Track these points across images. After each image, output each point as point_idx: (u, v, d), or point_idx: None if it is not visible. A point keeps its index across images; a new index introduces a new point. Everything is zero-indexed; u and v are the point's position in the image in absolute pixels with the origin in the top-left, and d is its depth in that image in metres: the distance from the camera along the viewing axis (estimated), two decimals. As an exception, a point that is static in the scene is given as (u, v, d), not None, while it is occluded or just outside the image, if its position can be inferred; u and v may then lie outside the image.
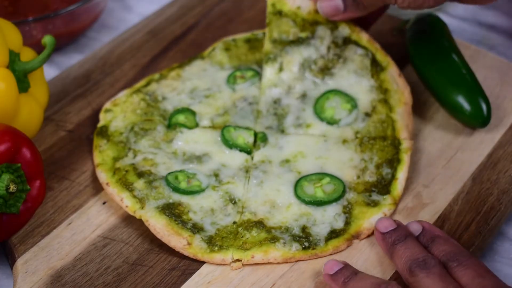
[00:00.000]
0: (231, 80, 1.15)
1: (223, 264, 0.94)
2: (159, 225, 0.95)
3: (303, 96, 1.10)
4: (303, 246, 0.94)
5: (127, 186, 1.00)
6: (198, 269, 0.94)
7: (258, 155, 1.05)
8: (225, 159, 1.04)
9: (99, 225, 0.99)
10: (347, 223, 0.97)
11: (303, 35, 1.12)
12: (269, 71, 1.12)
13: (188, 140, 1.07)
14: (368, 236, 0.97)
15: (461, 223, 0.98)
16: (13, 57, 1.00)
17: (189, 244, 0.94)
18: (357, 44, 1.12)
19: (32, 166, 0.94)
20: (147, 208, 0.97)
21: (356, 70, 1.10)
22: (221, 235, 0.96)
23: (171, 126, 1.09)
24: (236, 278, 0.93)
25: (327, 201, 0.98)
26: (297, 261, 0.94)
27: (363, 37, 1.13)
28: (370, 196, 1.00)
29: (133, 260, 0.95)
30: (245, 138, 1.07)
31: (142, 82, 1.16)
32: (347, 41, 1.12)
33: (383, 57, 1.11)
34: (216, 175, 1.02)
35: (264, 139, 1.07)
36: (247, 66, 1.17)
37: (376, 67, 1.10)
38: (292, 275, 0.93)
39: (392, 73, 1.10)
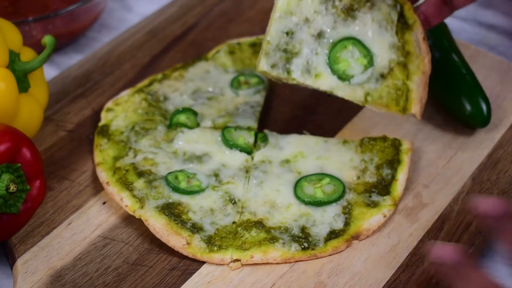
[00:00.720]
0: (235, 84, 1.15)
1: (223, 264, 0.94)
2: (158, 224, 0.95)
3: (320, 35, 1.00)
4: (303, 246, 0.94)
5: (127, 185, 1.00)
6: (198, 269, 0.94)
7: (258, 155, 1.05)
8: (225, 159, 1.04)
9: (99, 225, 0.99)
10: (347, 223, 0.97)
11: None
12: None
13: (189, 140, 1.07)
14: (368, 236, 0.97)
15: (461, 223, 0.98)
16: (13, 57, 1.00)
17: (188, 243, 0.94)
18: None
19: (32, 166, 0.94)
20: (147, 207, 0.97)
21: (381, 21, 1.00)
22: (220, 235, 0.96)
23: (172, 126, 1.09)
24: (236, 278, 0.93)
25: (327, 201, 0.98)
26: (297, 261, 0.94)
27: None
28: (370, 196, 1.00)
29: (133, 260, 0.95)
30: (246, 138, 1.07)
31: (144, 82, 1.16)
32: None
33: (411, 14, 1.00)
34: (216, 175, 1.02)
35: (265, 139, 1.07)
36: (251, 71, 1.18)
37: (402, 24, 1.00)
38: (292, 275, 0.93)
39: (417, 35, 1.00)
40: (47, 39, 1.02)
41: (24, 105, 1.00)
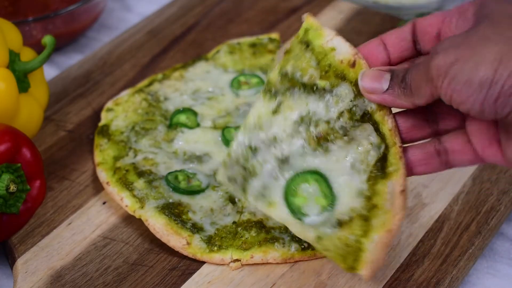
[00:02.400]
0: (235, 84, 1.15)
1: (223, 264, 0.94)
2: (158, 224, 0.95)
3: (284, 160, 0.87)
4: (302, 246, 0.94)
5: (127, 185, 1.00)
6: (198, 269, 0.94)
7: (258, 155, 1.05)
8: (225, 159, 1.04)
9: (99, 225, 0.99)
10: (347, 223, 0.96)
11: (321, 83, 0.86)
12: (261, 105, 0.88)
13: (189, 140, 1.07)
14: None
15: (461, 223, 0.98)
16: (13, 57, 1.00)
17: (188, 243, 0.94)
18: (375, 127, 0.85)
19: (32, 166, 0.94)
20: (147, 207, 0.97)
21: (355, 161, 0.85)
22: (220, 235, 0.96)
23: (172, 126, 1.09)
24: (236, 278, 0.93)
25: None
26: (296, 261, 0.94)
27: (387, 123, 0.84)
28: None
29: (133, 260, 0.95)
30: (245, 138, 1.07)
31: (144, 82, 1.16)
32: (366, 117, 0.85)
33: (395, 159, 0.83)
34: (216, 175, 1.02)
35: (264, 139, 1.07)
36: (251, 71, 1.18)
37: (378, 169, 0.84)
38: (292, 275, 0.93)
39: (394, 186, 0.83)
40: (47, 39, 1.02)
41: (24, 105, 1.00)
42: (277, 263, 0.94)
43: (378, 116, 0.84)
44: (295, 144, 0.86)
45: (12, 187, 0.91)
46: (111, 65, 1.22)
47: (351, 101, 0.85)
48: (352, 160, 0.85)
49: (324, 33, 0.86)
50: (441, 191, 1.02)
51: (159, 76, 1.17)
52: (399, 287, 0.91)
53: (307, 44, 0.86)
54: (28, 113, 1.01)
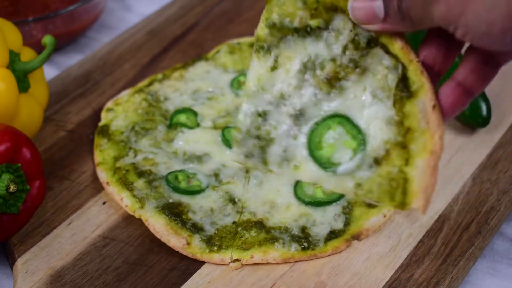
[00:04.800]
0: (235, 84, 1.15)
1: (223, 264, 0.94)
2: (158, 224, 0.95)
3: (299, 114, 0.82)
4: (303, 246, 0.94)
5: (127, 185, 1.00)
6: (198, 269, 0.94)
7: (258, 155, 1.05)
8: (225, 159, 1.04)
9: (99, 225, 0.99)
10: (347, 223, 0.97)
11: (313, 23, 0.80)
12: (257, 66, 0.83)
13: (189, 140, 1.07)
14: (368, 236, 0.96)
15: (461, 223, 0.98)
16: (13, 57, 1.00)
17: (188, 243, 0.94)
18: (385, 49, 0.79)
19: (32, 166, 0.94)
20: (147, 207, 0.97)
21: (375, 90, 0.79)
22: (220, 235, 0.96)
23: (172, 126, 1.09)
24: (236, 278, 0.92)
25: (327, 201, 0.98)
26: (297, 261, 0.94)
27: (397, 43, 0.79)
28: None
29: (133, 260, 0.95)
30: (245, 138, 1.07)
31: (144, 82, 1.16)
32: (372, 42, 0.80)
33: (416, 76, 0.78)
34: (216, 175, 1.02)
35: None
36: None
37: (402, 90, 0.78)
38: (292, 275, 0.93)
39: (424, 103, 0.77)
40: (47, 39, 1.02)
41: (24, 105, 1.00)
42: (277, 263, 0.94)
43: (384, 38, 0.79)
44: (305, 94, 0.81)
45: (12, 187, 0.91)
46: (111, 65, 1.22)
47: (351, 31, 0.79)
48: (372, 89, 0.79)
49: None
50: (441, 191, 1.02)
51: (159, 76, 1.17)
52: (399, 287, 0.91)
53: None
54: (28, 113, 1.01)
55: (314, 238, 0.95)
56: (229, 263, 0.94)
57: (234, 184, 1.01)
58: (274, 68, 0.82)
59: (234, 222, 0.97)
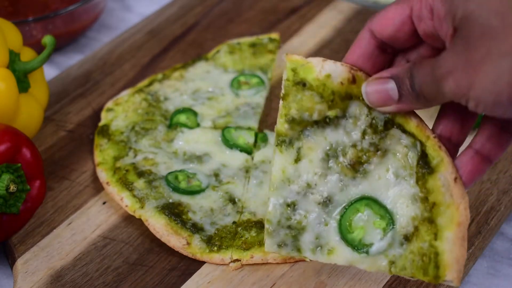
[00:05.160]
0: (235, 84, 1.15)
1: (223, 264, 0.94)
2: (158, 224, 0.95)
3: (327, 201, 0.83)
4: (303, 246, 0.94)
5: (127, 185, 1.00)
6: (198, 269, 0.94)
7: (258, 155, 1.05)
8: (225, 159, 1.04)
9: (99, 225, 0.99)
10: (347, 223, 0.97)
11: (331, 113, 0.83)
12: (281, 159, 0.84)
13: (189, 140, 1.07)
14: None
15: (461, 223, 0.98)
16: (13, 57, 1.00)
17: (188, 243, 0.94)
18: (402, 129, 0.82)
19: (32, 166, 0.94)
20: (147, 207, 0.97)
21: (398, 169, 0.82)
22: (220, 235, 0.96)
23: (172, 126, 1.09)
24: (236, 278, 0.92)
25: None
26: (297, 261, 0.94)
27: (412, 121, 0.82)
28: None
29: (133, 260, 0.95)
30: (246, 138, 1.07)
31: (144, 82, 1.16)
32: (389, 123, 0.82)
33: (435, 151, 0.81)
34: (216, 175, 1.02)
35: (265, 139, 1.07)
36: (251, 71, 1.17)
37: (423, 167, 0.81)
38: (292, 275, 0.93)
39: (445, 177, 0.80)
40: (47, 39, 1.02)
41: (24, 105, 1.00)
42: (277, 263, 0.94)
43: (399, 118, 0.82)
44: (331, 181, 0.83)
45: (12, 187, 0.91)
46: (111, 65, 1.22)
47: (367, 115, 0.83)
48: (394, 169, 0.82)
49: (312, 64, 0.83)
50: (441, 191, 1.02)
51: (159, 76, 1.17)
52: (399, 287, 0.91)
53: (303, 84, 0.83)
54: (28, 113, 1.01)
55: (314, 238, 0.95)
56: (229, 263, 0.94)
57: (234, 184, 1.01)
58: (297, 160, 0.84)
59: (234, 222, 0.97)
